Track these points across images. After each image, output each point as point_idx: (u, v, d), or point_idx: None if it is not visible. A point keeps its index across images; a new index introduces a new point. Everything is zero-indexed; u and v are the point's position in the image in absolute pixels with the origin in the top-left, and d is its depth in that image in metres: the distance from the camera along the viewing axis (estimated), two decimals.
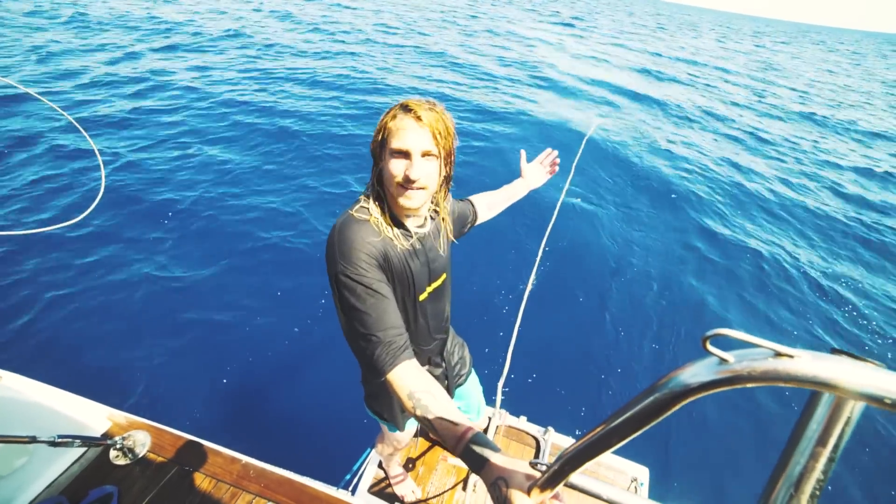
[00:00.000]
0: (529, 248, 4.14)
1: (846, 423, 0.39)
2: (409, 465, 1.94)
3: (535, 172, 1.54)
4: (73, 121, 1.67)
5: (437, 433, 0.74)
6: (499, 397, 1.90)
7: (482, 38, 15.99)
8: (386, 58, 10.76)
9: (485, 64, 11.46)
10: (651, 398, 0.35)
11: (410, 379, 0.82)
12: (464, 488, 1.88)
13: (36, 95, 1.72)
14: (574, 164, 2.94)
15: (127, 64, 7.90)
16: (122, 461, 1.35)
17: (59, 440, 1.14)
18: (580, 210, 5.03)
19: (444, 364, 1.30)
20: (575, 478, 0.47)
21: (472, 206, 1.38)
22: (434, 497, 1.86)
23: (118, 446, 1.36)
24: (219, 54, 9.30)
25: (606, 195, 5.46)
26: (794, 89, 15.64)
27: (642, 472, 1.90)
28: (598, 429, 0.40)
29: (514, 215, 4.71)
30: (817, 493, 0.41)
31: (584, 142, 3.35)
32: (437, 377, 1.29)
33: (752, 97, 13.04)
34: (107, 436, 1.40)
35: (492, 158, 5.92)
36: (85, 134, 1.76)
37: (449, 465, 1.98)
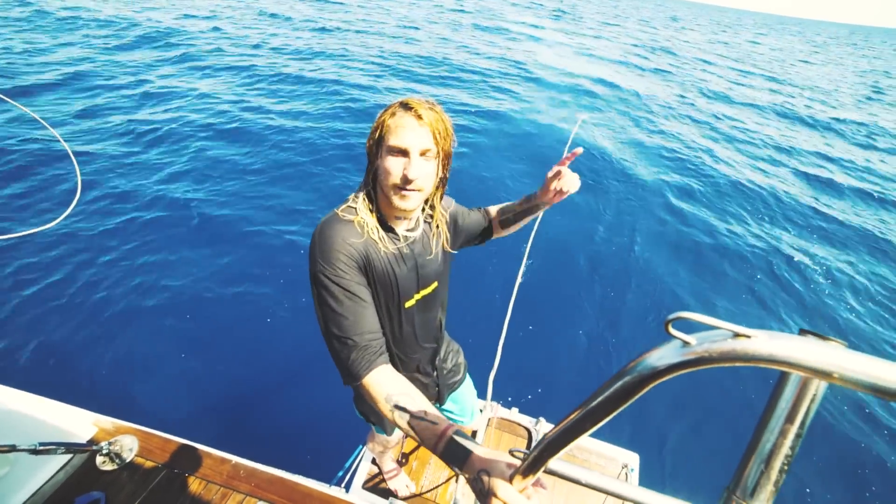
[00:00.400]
0: (519, 240, 4.16)
1: (812, 401, 0.41)
2: (403, 459, 1.95)
3: (550, 191, 1.16)
4: (45, 123, 1.62)
5: (415, 435, 0.73)
6: (490, 390, 1.92)
7: (466, 31, 15.92)
8: (371, 55, 10.65)
9: (469, 58, 11.42)
10: (620, 382, 0.36)
11: (385, 383, 0.81)
12: (457, 480, 1.89)
13: (4, 98, 1.67)
14: (565, 150, 2.95)
15: (101, 65, 7.70)
16: (109, 467, 1.33)
17: (42, 448, 1.12)
18: (567, 202, 5.06)
19: (435, 372, 1.27)
20: (554, 464, 0.48)
21: (489, 217, 1.25)
22: (428, 491, 1.87)
23: (104, 452, 1.34)
24: (197, 54, 9.12)
25: (592, 188, 5.51)
26: (767, 77, 15.89)
27: (632, 459, 1.94)
28: (573, 415, 0.41)
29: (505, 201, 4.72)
30: (786, 467, 0.43)
31: (570, 137, 3.37)
32: (426, 384, 1.26)
33: (726, 85, 13.21)
34: (92, 442, 1.37)
35: (473, 157, 5.92)
36: (58, 136, 1.71)
37: None
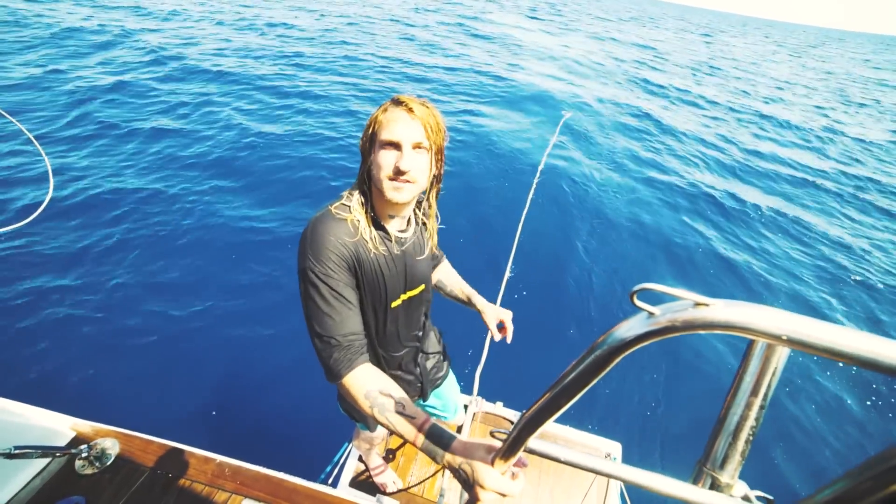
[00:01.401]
0: (506, 236, 4.20)
1: (773, 374, 0.44)
2: (389, 455, 1.96)
3: (491, 315, 1.33)
4: (12, 118, 1.56)
5: (395, 431, 0.75)
6: (476, 385, 1.94)
7: (452, 29, 15.93)
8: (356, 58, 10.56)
9: (450, 60, 11.43)
10: (592, 357, 0.38)
11: (365, 381, 0.82)
12: (443, 475, 1.91)
13: None
14: (545, 155, 3.01)
15: (68, 60, 7.43)
16: (89, 470, 1.30)
17: (17, 451, 1.08)
18: (552, 200, 5.13)
19: (418, 369, 1.28)
20: (534, 443, 0.50)
21: (439, 262, 1.35)
22: (415, 486, 1.89)
23: (84, 455, 1.30)
24: (171, 52, 8.89)
25: (577, 182, 5.60)
26: (737, 72, 16.41)
27: (615, 448, 1.99)
28: (548, 392, 0.43)
29: (491, 203, 4.78)
30: (751, 438, 0.46)
31: (555, 133, 3.42)
32: (409, 381, 1.28)
33: (697, 79, 13.59)
34: (71, 445, 1.34)
35: (465, 151, 5.95)
36: (28, 134, 1.66)
37: None
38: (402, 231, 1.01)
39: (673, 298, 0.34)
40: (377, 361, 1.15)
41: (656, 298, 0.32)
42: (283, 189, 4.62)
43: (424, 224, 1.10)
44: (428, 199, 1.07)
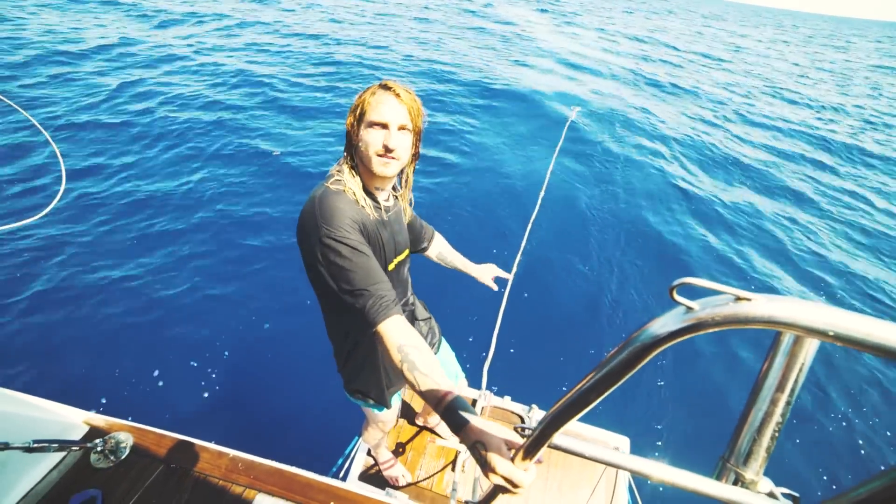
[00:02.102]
0: (515, 232, 4.20)
1: (800, 370, 0.43)
2: (399, 449, 1.97)
3: (484, 273, 1.59)
4: (27, 114, 1.57)
5: (419, 391, 0.77)
6: (484, 379, 1.95)
7: (463, 20, 15.80)
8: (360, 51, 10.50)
9: (461, 53, 11.35)
10: (626, 351, 0.37)
11: (400, 333, 0.86)
12: (453, 469, 1.92)
13: None
14: (556, 149, 2.99)
15: (82, 57, 7.44)
16: (103, 464, 1.32)
17: (35, 445, 1.10)
18: (563, 195, 5.11)
19: None
20: (558, 438, 0.50)
21: (432, 235, 1.46)
22: (424, 480, 1.90)
23: (99, 449, 1.32)
24: (184, 51, 8.88)
25: (587, 179, 5.57)
26: (746, 64, 16.19)
27: (623, 442, 1.99)
28: (578, 386, 0.43)
29: (501, 197, 4.76)
30: (776, 434, 0.45)
31: (564, 128, 3.40)
32: None
33: (712, 74, 13.43)
34: (86, 439, 1.36)
35: (469, 151, 5.92)
36: (41, 128, 1.66)
37: (437, 447, 2.02)
38: (386, 202, 1.11)
39: (713, 293, 0.33)
40: None
41: (694, 295, 0.31)
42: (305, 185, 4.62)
43: (396, 198, 1.20)
44: (406, 174, 1.16)
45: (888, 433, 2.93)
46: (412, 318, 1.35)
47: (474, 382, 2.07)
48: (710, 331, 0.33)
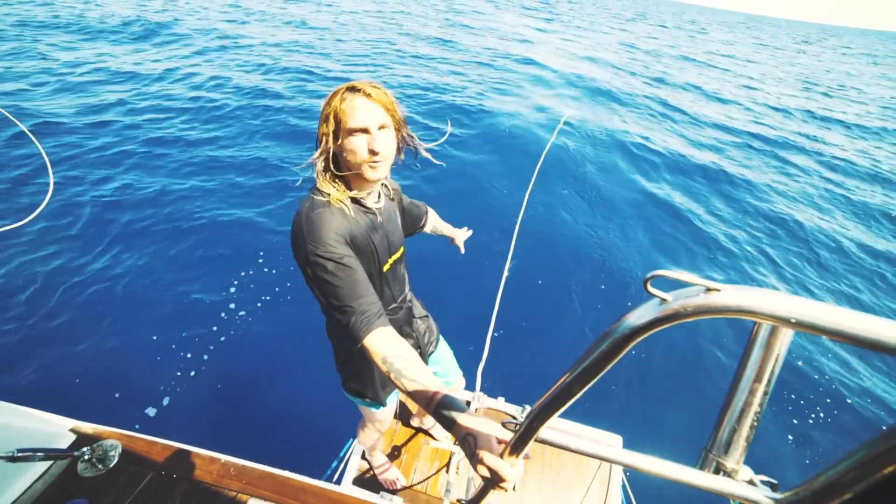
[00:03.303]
0: (505, 231, 4.22)
1: (776, 360, 0.45)
2: (394, 453, 1.96)
3: (460, 238, 1.68)
4: (13, 118, 1.55)
5: (410, 395, 0.79)
6: (478, 382, 1.95)
7: (453, 25, 15.89)
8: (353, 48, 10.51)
9: (456, 54, 11.41)
10: (605, 343, 0.39)
11: (384, 344, 0.87)
12: (447, 471, 1.92)
13: None
14: (544, 152, 3.02)
15: (68, 59, 7.35)
16: (91, 473, 1.30)
17: (19, 455, 1.08)
18: (553, 192, 5.16)
19: (414, 333, 1.36)
20: (545, 433, 0.51)
21: (426, 213, 1.47)
22: (419, 483, 1.89)
23: (86, 457, 1.30)
24: (166, 52, 8.81)
25: (574, 179, 5.62)
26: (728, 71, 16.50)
27: (616, 440, 2.01)
28: (562, 380, 0.44)
29: (491, 197, 4.79)
30: (755, 423, 0.47)
31: (555, 131, 3.43)
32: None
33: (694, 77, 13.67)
34: (73, 448, 1.33)
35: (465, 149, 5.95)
36: (27, 132, 1.64)
37: (432, 449, 2.01)
38: (376, 203, 1.10)
39: (685, 284, 0.34)
40: None
41: (669, 286, 0.32)
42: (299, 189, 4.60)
43: (387, 196, 1.20)
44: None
45: (859, 418, 3.04)
46: (409, 317, 1.34)
47: (468, 384, 2.08)
48: (684, 321, 0.34)
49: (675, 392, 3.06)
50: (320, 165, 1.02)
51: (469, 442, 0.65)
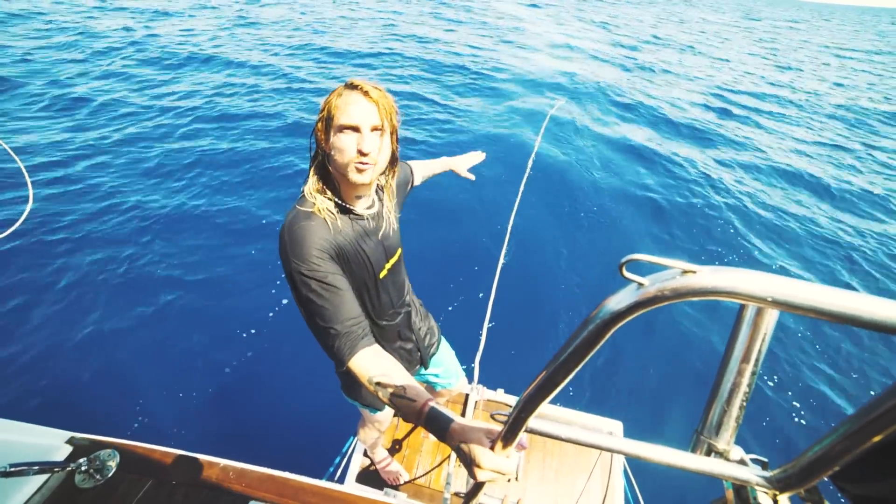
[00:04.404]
0: (500, 223, 4.21)
1: (763, 340, 0.45)
2: (395, 447, 1.97)
3: (461, 166, 1.60)
4: None
5: (399, 411, 0.78)
6: (476, 373, 1.95)
7: (448, 15, 15.73)
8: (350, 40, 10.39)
9: (447, 46, 11.31)
10: (586, 331, 0.38)
11: (369, 365, 0.85)
12: (448, 464, 1.93)
13: None
14: (537, 142, 3.01)
15: (43, 67, 7.22)
16: (89, 484, 1.29)
17: (13, 469, 1.07)
18: (545, 184, 5.15)
19: (413, 336, 1.34)
20: (534, 423, 0.51)
21: (411, 170, 1.38)
22: (422, 476, 1.90)
23: (84, 469, 1.29)
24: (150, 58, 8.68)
25: (569, 168, 5.63)
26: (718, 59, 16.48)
27: (616, 426, 2.02)
28: (546, 369, 0.43)
29: (484, 190, 4.77)
30: (744, 404, 0.47)
31: (545, 120, 3.42)
32: (409, 350, 1.32)
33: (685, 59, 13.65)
34: (70, 460, 1.32)
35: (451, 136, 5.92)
36: (5, 145, 1.61)
37: (433, 443, 2.02)
38: (369, 208, 1.05)
39: (662, 268, 0.34)
40: (379, 336, 1.20)
41: (646, 269, 0.32)
42: (294, 188, 4.57)
43: (380, 198, 1.13)
44: (386, 178, 1.11)
45: (843, 393, 3.11)
46: (408, 320, 1.30)
47: (467, 377, 2.08)
48: (662, 304, 0.34)
49: (673, 375, 3.09)
50: (313, 169, 0.97)
51: (462, 450, 0.65)
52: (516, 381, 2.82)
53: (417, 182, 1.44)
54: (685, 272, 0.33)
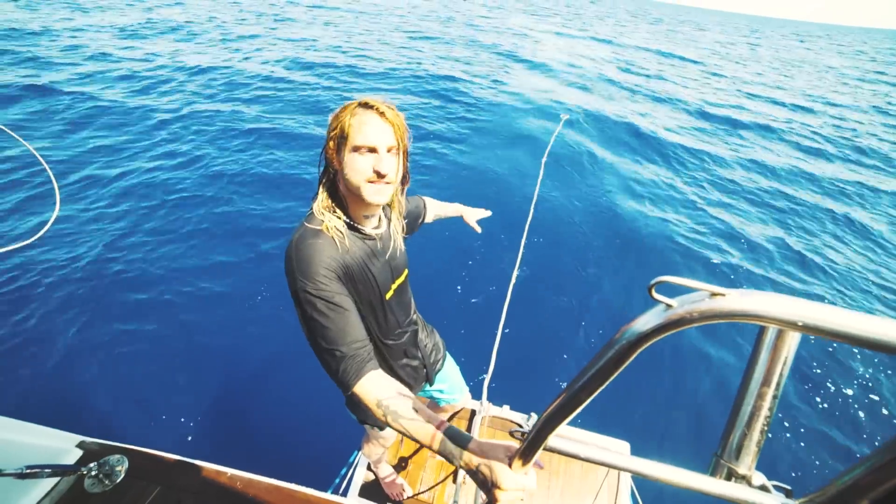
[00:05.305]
0: (512, 241, 4.22)
1: (784, 363, 0.45)
2: (400, 463, 1.95)
3: (471, 216, 1.63)
4: (15, 135, 1.57)
5: (410, 436, 0.75)
6: (485, 391, 1.94)
7: (454, 27, 16.06)
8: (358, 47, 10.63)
9: (456, 56, 11.52)
10: (612, 351, 0.39)
11: (376, 389, 0.82)
12: (454, 481, 1.90)
13: None
14: (544, 158, 3.03)
15: (66, 71, 7.46)
16: (98, 489, 1.29)
17: (28, 471, 1.08)
18: (556, 199, 5.17)
19: (420, 354, 1.33)
20: (553, 441, 0.51)
21: (424, 205, 1.41)
22: (425, 492, 1.88)
23: (93, 473, 1.30)
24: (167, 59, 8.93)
25: (578, 182, 5.65)
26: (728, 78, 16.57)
27: (623, 447, 1.99)
28: (569, 387, 0.44)
29: (495, 210, 4.78)
30: (766, 428, 0.47)
31: (553, 135, 3.46)
32: (414, 368, 1.32)
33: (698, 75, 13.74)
34: (80, 464, 1.33)
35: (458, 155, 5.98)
36: (32, 149, 1.67)
37: (437, 460, 2.00)
38: (376, 228, 1.04)
39: (690, 290, 0.35)
40: (385, 354, 1.20)
41: (674, 291, 0.33)
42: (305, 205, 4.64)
43: (388, 218, 1.13)
44: (396, 196, 1.11)
45: (872, 421, 3.00)
46: (414, 338, 1.29)
47: (474, 394, 2.07)
48: (690, 326, 0.34)
49: (680, 397, 3.04)
50: (322, 186, 0.96)
51: (483, 472, 0.63)
52: (522, 398, 2.79)
53: (429, 220, 1.46)
54: (714, 295, 0.33)
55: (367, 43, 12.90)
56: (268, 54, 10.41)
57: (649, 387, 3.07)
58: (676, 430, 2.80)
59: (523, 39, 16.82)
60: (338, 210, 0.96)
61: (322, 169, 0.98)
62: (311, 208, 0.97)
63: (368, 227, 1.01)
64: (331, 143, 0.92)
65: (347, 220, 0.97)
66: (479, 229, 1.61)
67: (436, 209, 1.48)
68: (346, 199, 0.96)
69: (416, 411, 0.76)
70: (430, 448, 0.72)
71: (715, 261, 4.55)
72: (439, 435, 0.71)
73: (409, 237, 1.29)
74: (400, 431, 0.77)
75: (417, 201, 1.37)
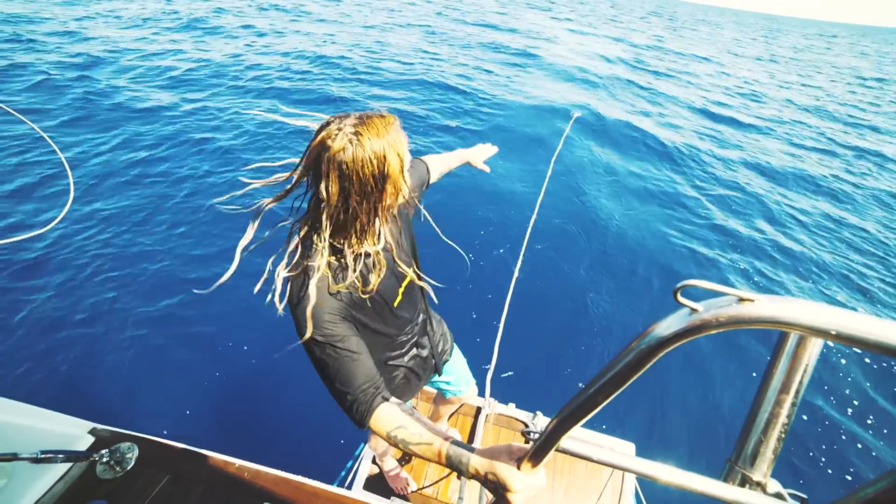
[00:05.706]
0: (515, 237, 4.21)
1: (805, 371, 0.44)
2: (404, 457, 1.96)
3: (478, 158, 1.59)
4: (33, 125, 1.59)
5: (420, 456, 0.79)
6: (488, 388, 1.94)
7: (460, 25, 15.97)
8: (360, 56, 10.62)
9: (465, 53, 11.46)
10: (632, 354, 0.38)
11: (387, 421, 0.85)
12: (458, 477, 1.91)
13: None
14: (554, 155, 3.01)
15: (83, 61, 7.54)
16: (109, 475, 1.32)
17: (42, 456, 1.10)
18: (563, 196, 5.13)
19: (429, 343, 1.34)
20: (566, 442, 0.50)
21: (427, 169, 1.33)
22: (430, 487, 1.89)
23: (104, 460, 1.32)
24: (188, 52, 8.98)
25: (585, 182, 5.59)
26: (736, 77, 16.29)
27: (628, 448, 1.98)
28: (585, 389, 0.43)
29: (500, 207, 4.78)
30: (783, 435, 0.46)
31: (563, 137, 3.44)
32: (424, 358, 1.32)
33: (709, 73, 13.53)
34: (92, 450, 1.36)
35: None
36: (48, 139, 1.69)
37: None
38: (376, 245, 0.97)
39: (716, 295, 0.34)
40: (399, 347, 1.20)
41: (699, 297, 0.32)
42: None
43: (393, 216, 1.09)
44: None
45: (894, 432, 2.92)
46: (424, 328, 1.31)
47: (478, 391, 2.07)
48: (715, 331, 0.34)
49: (687, 399, 3.01)
50: (330, 218, 0.85)
51: (491, 479, 0.65)
52: (527, 396, 2.79)
53: (434, 179, 1.37)
54: (742, 300, 0.32)
55: (383, 39, 12.85)
56: (283, 47, 10.42)
57: (657, 387, 3.05)
58: (682, 433, 2.78)
59: (537, 38, 16.65)
60: (343, 242, 0.90)
61: (315, 199, 0.87)
62: (313, 243, 0.90)
63: (371, 247, 0.94)
64: (399, 167, 0.84)
65: (354, 251, 0.90)
66: (487, 169, 1.58)
67: (439, 167, 1.40)
68: (355, 226, 0.87)
69: (421, 436, 0.79)
70: (440, 464, 0.75)
71: (733, 267, 4.49)
72: (443, 455, 0.74)
73: (416, 214, 1.18)
74: (412, 454, 0.81)
75: (419, 165, 1.29)
